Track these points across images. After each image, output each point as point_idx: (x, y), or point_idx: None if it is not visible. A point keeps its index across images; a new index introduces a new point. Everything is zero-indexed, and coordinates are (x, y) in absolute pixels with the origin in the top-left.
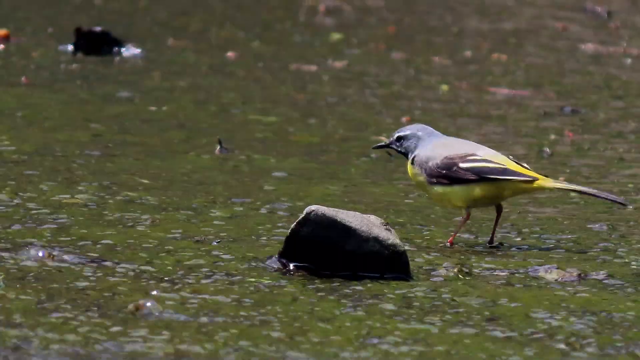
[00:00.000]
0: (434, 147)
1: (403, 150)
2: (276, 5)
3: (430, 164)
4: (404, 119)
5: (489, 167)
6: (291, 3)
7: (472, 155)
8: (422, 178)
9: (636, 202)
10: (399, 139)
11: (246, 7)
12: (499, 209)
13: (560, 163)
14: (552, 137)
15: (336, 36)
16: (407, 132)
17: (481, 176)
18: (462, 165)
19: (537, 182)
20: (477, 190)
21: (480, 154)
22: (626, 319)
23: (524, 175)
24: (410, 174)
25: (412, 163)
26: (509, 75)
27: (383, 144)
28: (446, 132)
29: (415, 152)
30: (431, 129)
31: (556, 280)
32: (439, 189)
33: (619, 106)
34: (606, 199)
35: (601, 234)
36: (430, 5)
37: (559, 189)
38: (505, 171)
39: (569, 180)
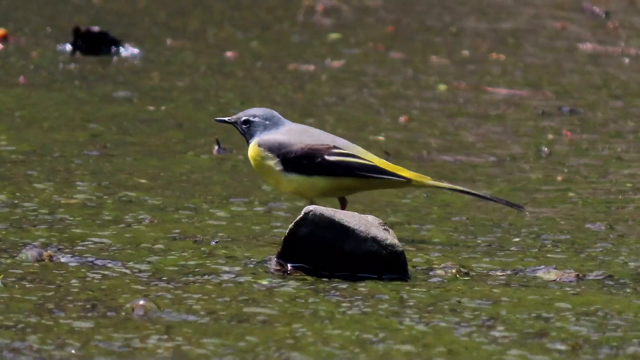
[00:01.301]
0: (287, 132)
1: (247, 132)
2: (274, 5)
3: (285, 150)
4: (402, 119)
5: (358, 163)
6: (289, 3)
7: (336, 147)
8: (272, 163)
9: (635, 202)
10: (246, 122)
11: (244, 7)
12: (344, 202)
13: (559, 163)
14: (551, 136)
15: (334, 36)
16: (258, 115)
17: (353, 173)
18: (328, 158)
19: (412, 182)
20: (344, 184)
21: (344, 147)
22: (625, 319)
23: (398, 175)
24: (254, 156)
25: (259, 145)
26: (507, 75)
27: (226, 119)
28: (445, 132)
29: (263, 135)
30: (278, 114)
31: (554, 280)
32: (294, 177)
33: (618, 106)
34: (492, 200)
35: (599, 234)
36: (429, 5)
37: (435, 187)
38: (376, 169)
39: (568, 181)
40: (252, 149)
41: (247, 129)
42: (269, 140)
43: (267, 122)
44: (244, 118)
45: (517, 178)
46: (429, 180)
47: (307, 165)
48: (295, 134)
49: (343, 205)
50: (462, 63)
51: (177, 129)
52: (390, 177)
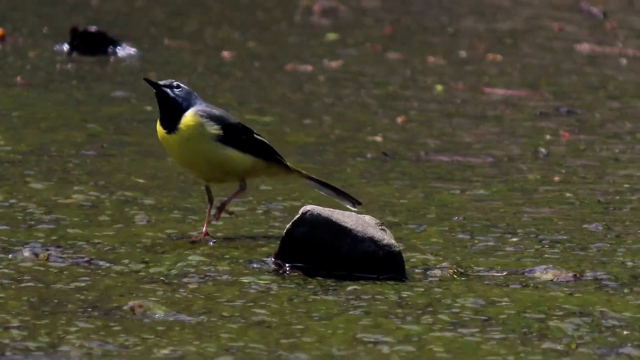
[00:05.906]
0: (215, 107)
1: (179, 98)
2: (272, 5)
3: (228, 123)
4: (399, 119)
5: (269, 146)
6: (287, 3)
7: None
8: (213, 135)
9: (632, 203)
10: (179, 87)
11: (242, 8)
12: (244, 186)
13: (556, 163)
14: (548, 137)
15: (332, 36)
16: (184, 85)
17: (272, 156)
18: (256, 136)
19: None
20: (256, 165)
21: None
22: (622, 320)
23: (285, 164)
24: (194, 124)
25: (201, 115)
26: (504, 76)
27: (159, 82)
28: (442, 133)
29: (200, 106)
30: None
31: (552, 280)
32: (230, 152)
33: (615, 107)
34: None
35: (597, 234)
36: (426, 5)
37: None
38: (275, 153)
39: (565, 181)
40: (192, 118)
41: (182, 94)
42: (210, 111)
43: (195, 94)
44: (176, 83)
45: (514, 178)
46: (303, 172)
47: (244, 140)
48: (222, 110)
49: (243, 189)
50: (459, 63)
51: None
52: (283, 165)
